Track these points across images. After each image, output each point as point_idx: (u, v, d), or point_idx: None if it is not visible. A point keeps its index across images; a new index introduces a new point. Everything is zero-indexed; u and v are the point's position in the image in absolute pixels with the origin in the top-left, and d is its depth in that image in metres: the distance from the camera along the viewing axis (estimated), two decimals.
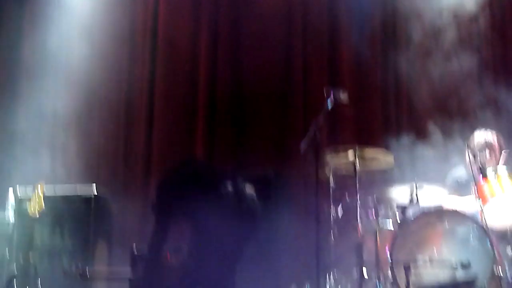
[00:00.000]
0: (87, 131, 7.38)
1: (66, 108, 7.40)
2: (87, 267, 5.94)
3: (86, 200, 6.28)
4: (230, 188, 5.48)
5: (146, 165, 7.50)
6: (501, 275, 5.48)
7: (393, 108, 7.55)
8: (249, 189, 5.55)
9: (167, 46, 7.85)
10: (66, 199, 6.36)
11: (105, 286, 6.22)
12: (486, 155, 6.31)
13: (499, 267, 5.50)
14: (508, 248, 5.73)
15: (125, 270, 5.80)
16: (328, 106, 6.14)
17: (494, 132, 6.51)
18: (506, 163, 6.14)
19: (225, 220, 5.36)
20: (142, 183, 7.36)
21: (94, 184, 6.44)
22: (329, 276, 6.01)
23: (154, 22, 7.95)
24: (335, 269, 6.06)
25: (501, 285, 5.47)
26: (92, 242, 6.23)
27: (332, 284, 6.00)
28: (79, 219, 6.27)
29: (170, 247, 5.75)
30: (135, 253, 5.90)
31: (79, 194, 6.31)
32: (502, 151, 6.27)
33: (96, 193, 6.34)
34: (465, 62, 7.10)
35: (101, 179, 6.84)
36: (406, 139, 6.81)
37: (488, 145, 6.42)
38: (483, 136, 6.48)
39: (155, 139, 7.54)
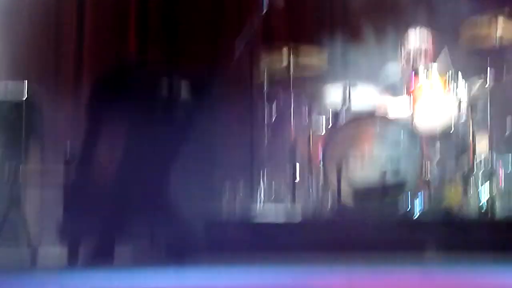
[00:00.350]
0: (16, 30, 7.10)
1: None
2: (20, 167, 5.88)
3: (17, 105, 6.14)
4: (165, 90, 5.42)
5: (77, 66, 7.31)
6: (430, 177, 5.66)
7: (328, 5, 7.46)
8: (185, 91, 5.50)
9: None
10: None
11: (38, 189, 6.18)
12: (419, 54, 6.38)
13: (428, 169, 5.67)
14: (435, 151, 5.90)
15: (59, 169, 5.76)
16: (263, 6, 6.08)
17: (428, 30, 6.53)
18: (440, 61, 6.19)
19: (161, 122, 5.33)
20: (73, 84, 7.21)
21: (25, 81, 6.26)
22: (263, 174, 6.10)
23: None
24: (269, 169, 6.14)
25: (429, 187, 5.66)
26: (24, 144, 6.13)
27: (266, 182, 6.10)
28: (9, 125, 6.14)
29: (104, 149, 5.72)
30: (68, 155, 5.85)
31: (9, 99, 6.14)
32: (439, 50, 6.31)
33: (27, 96, 6.18)
34: None
35: (31, 80, 6.64)
36: (340, 38, 6.78)
37: (421, 44, 6.46)
38: (417, 34, 6.50)
39: (86, 40, 7.32)
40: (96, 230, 5.67)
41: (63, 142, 6.27)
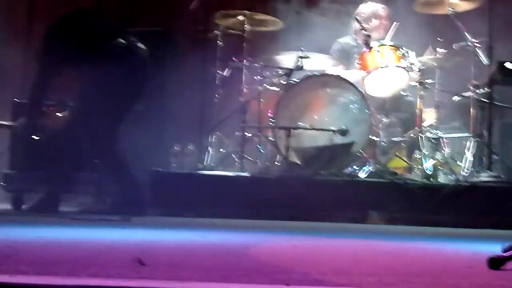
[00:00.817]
0: None
1: None
2: None
3: None
4: (121, 41, 5.38)
5: (29, 16, 7.22)
6: (376, 140, 5.77)
7: None
8: (139, 44, 5.48)
9: None
10: None
11: None
12: (372, 26, 6.48)
13: (375, 133, 5.78)
14: (384, 117, 6.01)
15: (8, 121, 5.69)
16: None
17: (383, 5, 6.65)
18: (392, 36, 6.31)
19: (114, 74, 5.29)
20: (25, 34, 7.11)
21: None
22: (212, 136, 6.13)
23: None
24: (218, 130, 6.18)
25: (375, 150, 5.77)
26: None
27: (214, 144, 6.13)
28: None
29: (55, 98, 5.68)
30: (17, 101, 5.80)
31: None
32: (392, 24, 6.42)
33: None
34: None
35: None
36: (295, 5, 6.84)
37: (375, 16, 6.56)
38: (371, 6, 6.61)
39: None
40: (44, 181, 5.63)
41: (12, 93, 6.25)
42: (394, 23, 6.36)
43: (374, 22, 6.52)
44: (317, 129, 5.69)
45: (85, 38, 5.37)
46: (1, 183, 5.81)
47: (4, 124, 5.66)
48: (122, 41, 5.38)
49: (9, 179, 5.79)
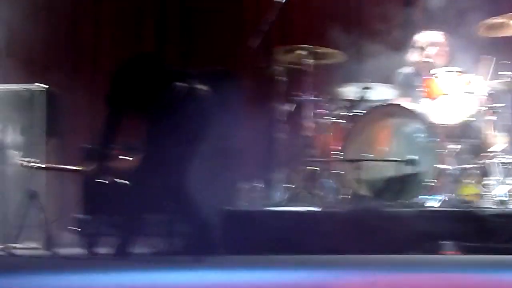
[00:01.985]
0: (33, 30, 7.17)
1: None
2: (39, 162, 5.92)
3: (34, 96, 6.22)
4: (183, 85, 5.44)
5: (94, 63, 7.38)
6: (446, 169, 5.68)
7: (344, 5, 7.53)
8: (202, 86, 5.53)
9: None
10: (15, 93, 6.27)
11: (59, 177, 6.23)
12: (433, 53, 6.43)
13: (445, 162, 5.69)
14: (453, 144, 5.92)
15: (78, 167, 5.79)
16: (279, 2, 6.18)
17: (441, 32, 6.60)
18: (453, 62, 6.24)
19: (178, 117, 5.35)
20: (91, 80, 7.27)
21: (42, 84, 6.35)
22: (280, 172, 6.13)
23: None
24: (286, 166, 6.17)
25: (446, 178, 5.67)
26: (44, 137, 6.20)
27: (284, 180, 6.12)
28: (29, 114, 6.22)
29: (123, 143, 5.76)
30: (88, 146, 5.90)
31: (28, 88, 6.23)
32: (448, 50, 6.36)
33: (44, 89, 6.27)
34: None
35: (50, 78, 6.69)
36: (357, 38, 6.84)
37: (435, 43, 6.52)
38: (431, 34, 6.57)
39: (103, 37, 7.38)
40: (116, 224, 5.70)
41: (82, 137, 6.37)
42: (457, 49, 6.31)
43: (433, 49, 6.47)
44: (385, 160, 5.64)
45: (148, 82, 5.45)
46: (76, 228, 5.90)
47: (75, 169, 5.76)
48: (183, 84, 5.42)
49: (83, 224, 5.88)
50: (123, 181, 5.51)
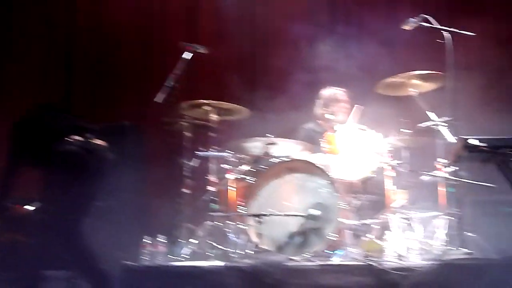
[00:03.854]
0: None
1: None
2: None
3: None
4: (79, 138, 5.35)
5: None
6: (347, 225, 5.75)
7: (249, 61, 7.66)
8: (103, 140, 5.46)
9: None
10: None
11: None
12: (334, 109, 6.59)
13: (346, 217, 5.77)
14: (354, 200, 6.02)
15: None
16: (185, 59, 6.23)
17: (343, 89, 6.77)
18: (356, 118, 6.39)
19: (74, 172, 5.25)
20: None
21: None
22: (183, 227, 6.08)
23: None
24: (189, 220, 6.12)
25: (347, 233, 5.74)
26: None
27: (187, 235, 6.06)
28: None
29: (20, 196, 5.61)
30: None
31: None
32: (354, 107, 6.51)
33: None
34: None
35: None
36: (262, 93, 6.93)
37: (336, 100, 6.68)
38: (332, 91, 6.74)
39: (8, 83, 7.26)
40: (14, 280, 5.52)
41: None
42: (356, 105, 6.47)
43: (335, 106, 6.64)
44: (288, 215, 5.67)
45: (45, 134, 5.35)
46: None
47: None
48: (79, 138, 5.33)
49: None
50: (20, 235, 5.36)
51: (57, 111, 5.71)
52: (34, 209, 5.58)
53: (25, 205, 5.60)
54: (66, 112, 5.89)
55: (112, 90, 7.46)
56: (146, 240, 5.97)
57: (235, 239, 5.78)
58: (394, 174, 5.97)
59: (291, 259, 5.53)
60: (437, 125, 5.92)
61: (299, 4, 7.73)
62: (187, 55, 6.25)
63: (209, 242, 5.80)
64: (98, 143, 5.41)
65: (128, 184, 6.03)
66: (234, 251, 5.69)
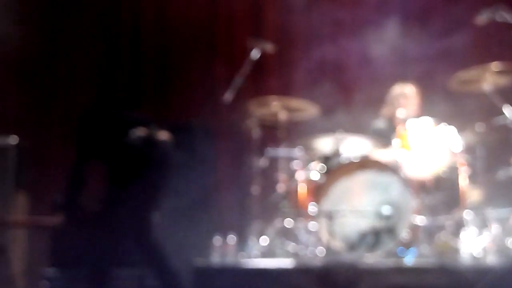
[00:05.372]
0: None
1: None
2: (7, 216, 5.83)
3: (4, 150, 6.16)
4: (140, 134, 5.36)
5: (67, 114, 7.31)
6: (420, 224, 5.64)
7: (318, 58, 7.58)
8: (163, 136, 5.45)
9: None
10: None
11: (26, 234, 6.13)
12: (406, 106, 6.46)
13: (418, 215, 5.65)
14: (426, 198, 5.89)
15: (47, 220, 5.70)
16: (253, 57, 6.20)
17: (412, 85, 6.64)
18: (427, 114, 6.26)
19: (137, 167, 5.27)
20: (62, 133, 7.20)
21: (14, 135, 6.28)
22: (253, 226, 6.06)
23: None
24: (259, 219, 6.10)
25: (419, 232, 5.63)
26: (12, 191, 6.11)
27: (257, 233, 6.04)
28: None
29: (89, 194, 5.66)
30: (56, 200, 5.79)
31: None
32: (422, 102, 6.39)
33: (15, 143, 6.20)
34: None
35: (20, 131, 6.63)
36: (330, 89, 6.86)
37: (407, 96, 6.56)
38: (402, 87, 6.62)
39: (76, 87, 7.34)
40: (85, 278, 5.58)
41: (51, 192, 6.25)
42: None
43: (405, 101, 6.51)
44: (359, 212, 5.58)
45: (112, 132, 5.37)
46: (45, 281, 5.78)
47: (43, 224, 5.65)
48: (143, 134, 5.33)
49: (51, 278, 5.75)
50: (90, 233, 5.41)
51: (122, 105, 5.74)
52: (103, 205, 5.60)
53: (94, 201, 5.64)
54: (127, 109, 5.90)
55: (180, 89, 7.46)
56: (217, 238, 5.98)
57: (305, 238, 5.74)
58: (468, 171, 5.80)
59: (363, 259, 5.46)
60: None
61: None
62: (254, 54, 6.22)
63: (280, 241, 5.75)
64: (163, 137, 5.42)
65: (197, 182, 6.03)
66: (305, 250, 5.65)
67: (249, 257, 5.79)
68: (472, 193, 5.87)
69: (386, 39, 7.22)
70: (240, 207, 6.03)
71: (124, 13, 7.80)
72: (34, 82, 7.45)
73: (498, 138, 5.98)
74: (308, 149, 6.14)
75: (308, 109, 6.39)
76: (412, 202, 5.60)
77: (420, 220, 5.68)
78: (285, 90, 6.76)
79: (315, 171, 5.97)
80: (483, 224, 5.69)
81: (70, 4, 7.75)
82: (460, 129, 6.00)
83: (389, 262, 5.41)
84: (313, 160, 6.08)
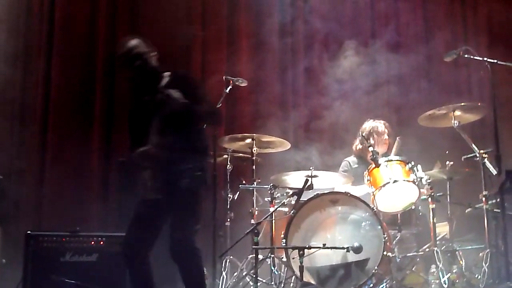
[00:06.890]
0: None
1: None
2: None
3: None
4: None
5: (40, 161, 7.28)
6: (391, 256, 5.70)
7: (290, 93, 7.69)
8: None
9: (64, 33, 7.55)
10: None
11: None
12: (376, 143, 6.56)
13: (389, 249, 5.72)
14: (396, 232, 5.97)
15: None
16: (226, 91, 6.31)
17: (383, 121, 6.74)
18: (398, 150, 6.36)
19: None
20: (38, 173, 7.18)
21: None
22: (225, 260, 6.09)
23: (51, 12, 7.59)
24: (231, 254, 6.13)
25: (390, 266, 5.68)
26: None
27: (228, 268, 6.06)
28: None
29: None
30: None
31: None
32: (396, 139, 6.48)
33: None
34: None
35: None
36: (302, 126, 6.94)
37: (376, 132, 6.65)
38: (373, 124, 6.71)
39: (50, 138, 7.32)
40: None
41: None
42: (397, 138, 6.43)
43: (376, 138, 6.61)
44: (330, 248, 5.63)
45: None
46: None
47: None
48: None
49: None
50: None
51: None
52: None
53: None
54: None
55: None
56: None
57: (277, 272, 5.77)
58: (436, 206, 5.89)
59: None
60: (480, 157, 5.85)
61: None
62: (227, 88, 6.33)
63: (252, 275, 5.78)
64: None
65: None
66: (276, 284, 5.68)
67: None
68: (441, 228, 5.96)
69: (356, 74, 7.35)
70: (213, 241, 6.03)
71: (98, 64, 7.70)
72: None
73: (467, 173, 6.09)
74: (280, 183, 6.20)
75: (280, 144, 6.47)
76: (383, 236, 5.67)
77: (391, 254, 5.74)
78: (257, 124, 6.79)
79: (287, 206, 6.02)
80: (452, 258, 5.77)
81: None
82: (430, 165, 6.11)
83: None
84: (285, 195, 6.13)
